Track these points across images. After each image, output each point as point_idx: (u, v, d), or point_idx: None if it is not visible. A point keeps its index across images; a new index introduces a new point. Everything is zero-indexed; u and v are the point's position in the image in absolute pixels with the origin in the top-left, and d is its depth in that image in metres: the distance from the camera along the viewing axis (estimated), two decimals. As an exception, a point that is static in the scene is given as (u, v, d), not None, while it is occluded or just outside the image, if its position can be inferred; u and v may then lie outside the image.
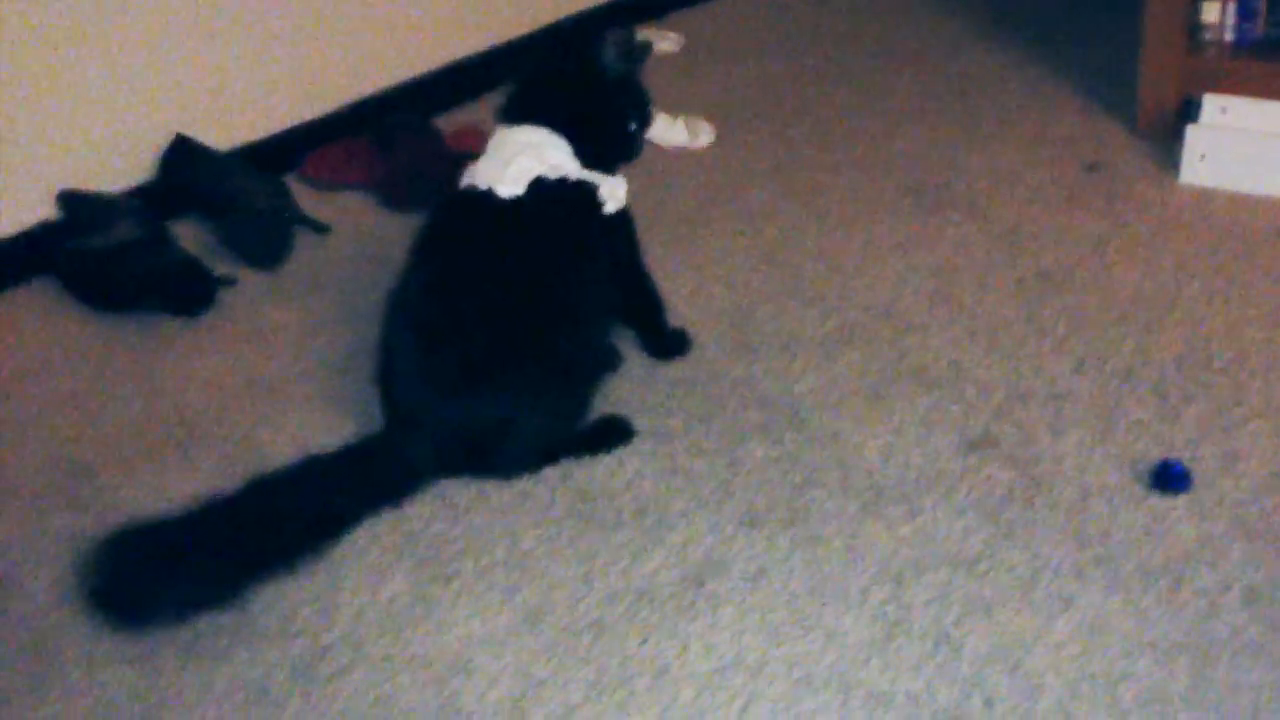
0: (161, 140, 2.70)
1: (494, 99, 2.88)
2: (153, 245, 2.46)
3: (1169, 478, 1.92)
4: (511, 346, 1.95)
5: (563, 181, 2.04)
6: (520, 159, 2.02)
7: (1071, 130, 2.98)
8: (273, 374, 2.28)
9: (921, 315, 2.35)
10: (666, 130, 3.04)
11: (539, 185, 2.02)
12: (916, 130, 3.04)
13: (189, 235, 2.65)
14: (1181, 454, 1.97)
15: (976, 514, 1.90)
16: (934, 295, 2.41)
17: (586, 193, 2.07)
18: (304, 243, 2.66)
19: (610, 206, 2.10)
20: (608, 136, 2.12)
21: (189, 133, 2.73)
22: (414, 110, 3.02)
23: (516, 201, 2.01)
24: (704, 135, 3.06)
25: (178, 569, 1.74)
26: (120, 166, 2.66)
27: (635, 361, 2.25)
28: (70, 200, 2.56)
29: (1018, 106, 3.12)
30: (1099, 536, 1.84)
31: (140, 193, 2.67)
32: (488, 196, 2.02)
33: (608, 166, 2.12)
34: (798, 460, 2.02)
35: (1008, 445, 2.02)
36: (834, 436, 2.07)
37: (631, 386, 2.19)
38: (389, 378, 2.02)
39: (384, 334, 2.06)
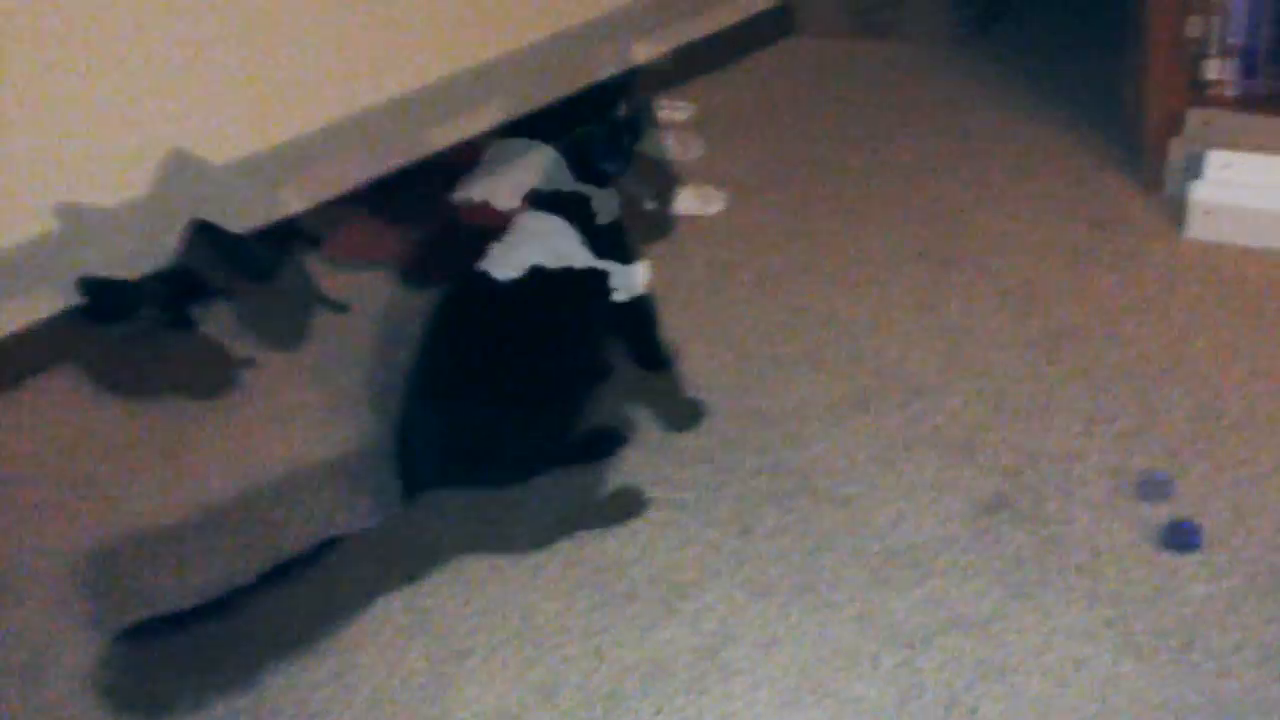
0: (182, 224, 2.76)
1: (510, 175, 2.97)
2: (175, 330, 2.50)
3: (1180, 536, 1.91)
4: (500, 419, 2.01)
5: (566, 270, 2.09)
6: (524, 246, 2.08)
7: (1078, 188, 2.99)
8: (293, 455, 2.31)
9: (932, 377, 2.36)
10: (678, 198, 3.07)
11: (538, 273, 2.08)
12: (925, 191, 3.06)
13: (210, 317, 2.69)
14: (1192, 512, 1.97)
15: (988, 577, 1.90)
16: (944, 356, 2.42)
17: (592, 280, 2.12)
18: (324, 322, 2.70)
19: (621, 295, 2.14)
20: (610, 227, 2.18)
21: (210, 215, 2.77)
22: (430, 188, 3.06)
23: (516, 285, 2.08)
24: (716, 202, 3.09)
25: (195, 658, 1.76)
26: (143, 251, 2.71)
27: (647, 432, 2.26)
28: (91, 286, 2.60)
29: (1025, 165, 3.14)
30: (1111, 597, 1.84)
31: (162, 276, 2.71)
32: (488, 280, 2.09)
33: (623, 253, 2.17)
34: (809, 527, 2.03)
35: (1019, 507, 2.02)
36: (845, 502, 2.07)
37: (644, 456, 2.20)
38: (400, 451, 2.07)
39: (397, 412, 2.11)
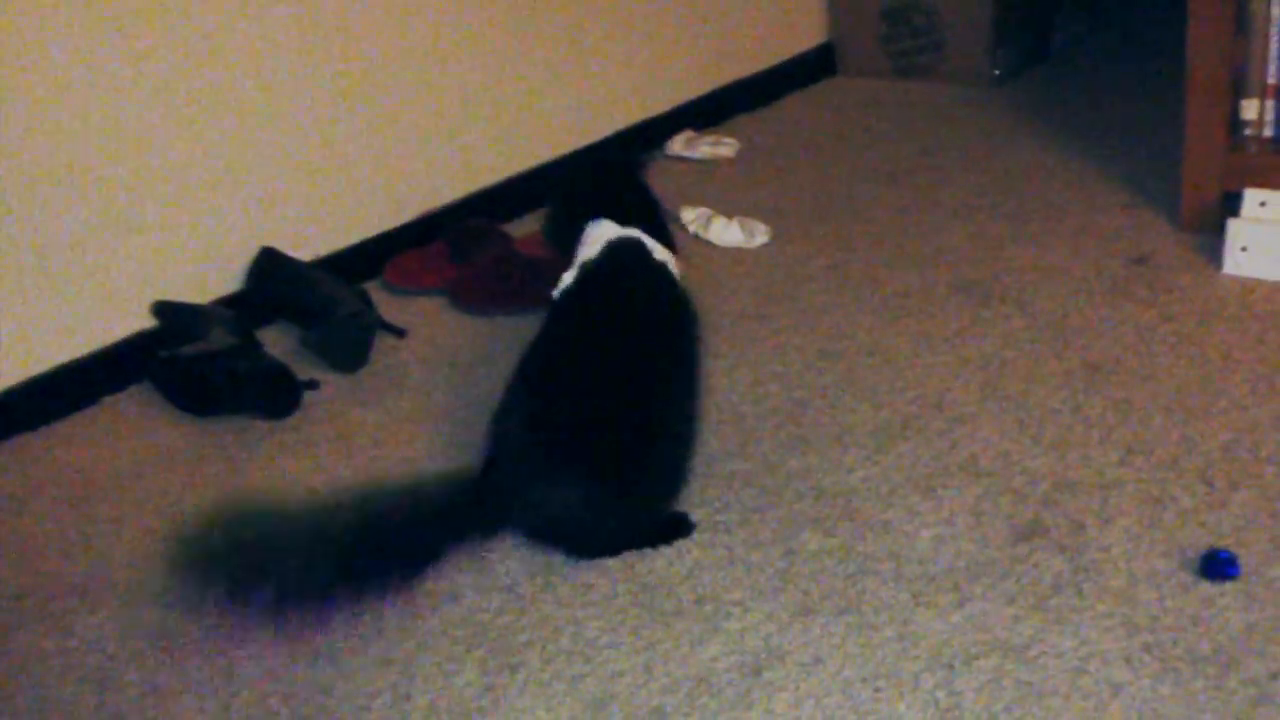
0: (249, 251, 2.79)
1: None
2: (243, 352, 2.53)
3: (1217, 565, 1.89)
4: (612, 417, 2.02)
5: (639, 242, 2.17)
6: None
7: (1116, 224, 2.98)
8: (354, 472, 2.33)
9: (971, 407, 2.35)
10: (723, 231, 3.09)
11: (614, 244, 2.14)
12: (965, 226, 3.06)
13: (276, 341, 2.73)
14: (1229, 542, 1.95)
15: (1026, 602, 1.88)
16: (983, 387, 2.41)
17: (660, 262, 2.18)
18: (383, 346, 2.72)
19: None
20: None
21: (275, 244, 2.81)
22: (486, 217, 3.09)
23: (595, 263, 2.13)
24: (759, 235, 3.09)
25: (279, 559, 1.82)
26: (210, 276, 2.75)
27: (695, 455, 2.26)
28: (165, 310, 2.65)
29: (1063, 201, 3.13)
30: (1148, 624, 1.82)
31: (230, 301, 2.75)
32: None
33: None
34: (851, 550, 2.02)
35: (1057, 534, 2.01)
36: (886, 526, 2.07)
37: (692, 481, 2.20)
38: (503, 428, 2.07)
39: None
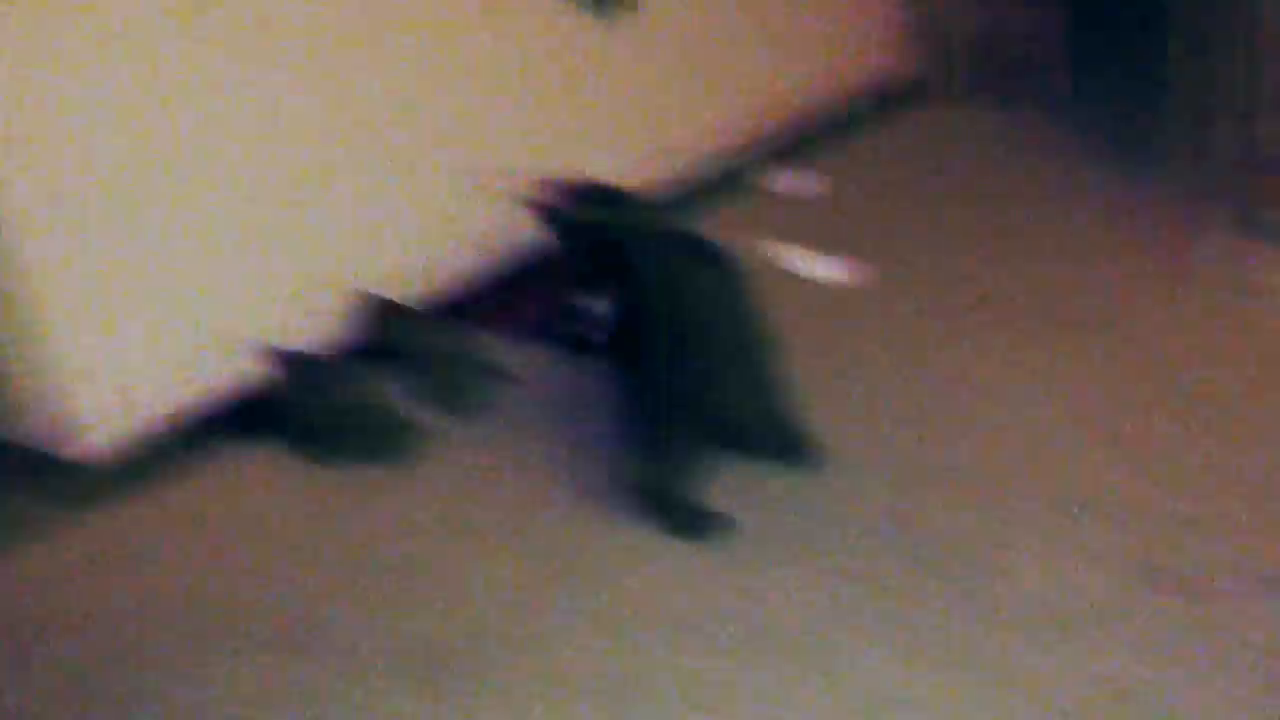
0: (363, 298, 2.84)
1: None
2: (359, 399, 2.58)
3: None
4: None
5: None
6: None
7: (1218, 259, 2.93)
8: (469, 517, 2.36)
9: (1079, 443, 2.33)
10: (814, 265, 3.08)
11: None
12: (1062, 259, 3.03)
13: (388, 385, 2.77)
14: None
15: (1146, 646, 1.86)
16: (1089, 423, 2.39)
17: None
18: (491, 390, 2.75)
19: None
20: None
21: (386, 291, 2.86)
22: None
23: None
24: (849, 270, 3.08)
25: None
26: (326, 324, 2.81)
27: (811, 498, 2.27)
28: (281, 357, 2.70)
29: (1160, 232, 3.08)
30: (1266, 669, 1.78)
31: (348, 350, 2.80)
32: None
33: None
34: (965, 593, 2.01)
35: (1175, 574, 1.98)
36: (1000, 569, 2.05)
37: (805, 523, 2.20)
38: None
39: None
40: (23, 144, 2.30)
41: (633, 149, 3.38)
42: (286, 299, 2.75)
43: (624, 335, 2.31)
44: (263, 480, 2.55)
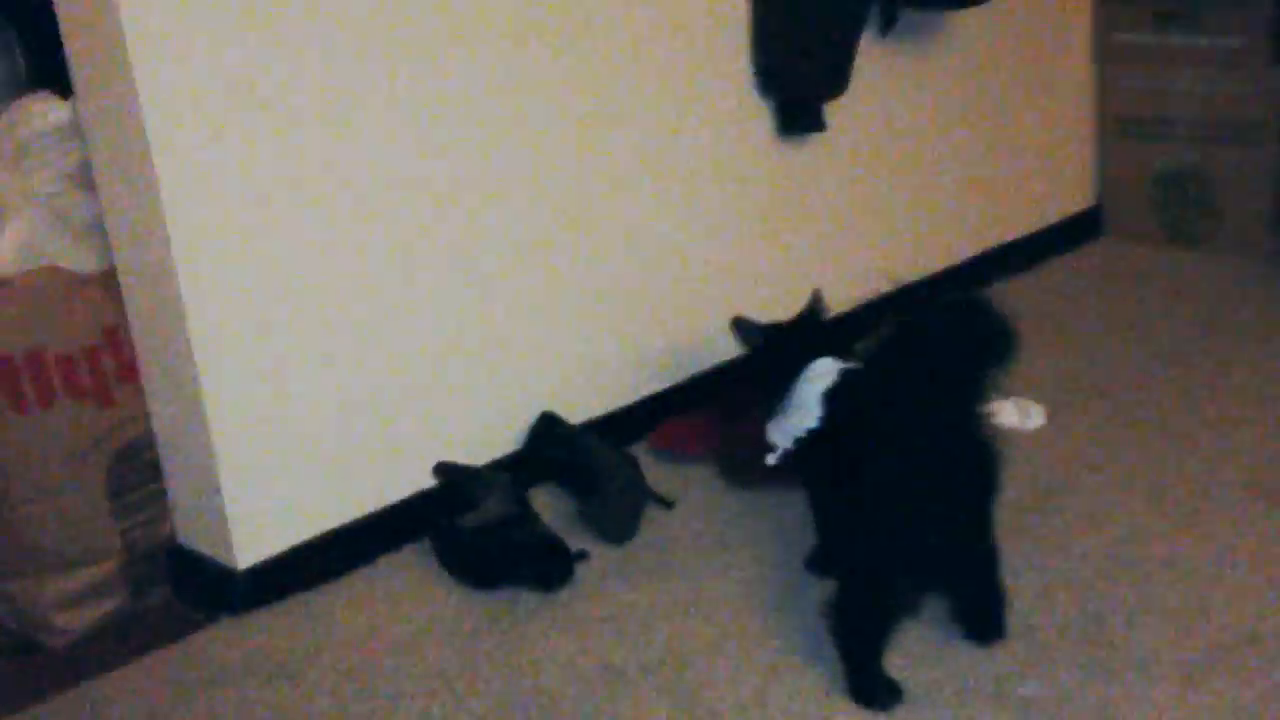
0: (526, 413, 2.78)
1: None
2: (519, 521, 2.50)
3: None
4: None
5: None
6: None
7: None
8: (622, 659, 2.24)
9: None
10: (998, 412, 2.93)
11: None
12: (1259, 419, 2.83)
13: (547, 505, 2.69)
14: None
15: None
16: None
17: None
18: (651, 517, 2.66)
19: None
20: None
21: (551, 406, 2.79)
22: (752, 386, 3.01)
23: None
24: (1035, 417, 2.93)
25: None
26: (489, 438, 2.75)
27: (981, 677, 2.11)
28: (445, 471, 2.64)
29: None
30: None
31: (507, 464, 2.73)
32: None
33: None
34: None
35: None
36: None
37: (978, 706, 2.04)
38: None
39: None
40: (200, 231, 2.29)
41: (809, 277, 3.28)
42: (453, 409, 2.70)
43: (828, 457, 2.18)
44: (415, 599, 2.47)
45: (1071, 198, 3.97)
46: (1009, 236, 3.77)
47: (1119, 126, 3.92)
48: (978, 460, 1.99)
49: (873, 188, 3.42)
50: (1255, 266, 3.66)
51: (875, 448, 1.99)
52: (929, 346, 1.95)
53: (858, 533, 2.05)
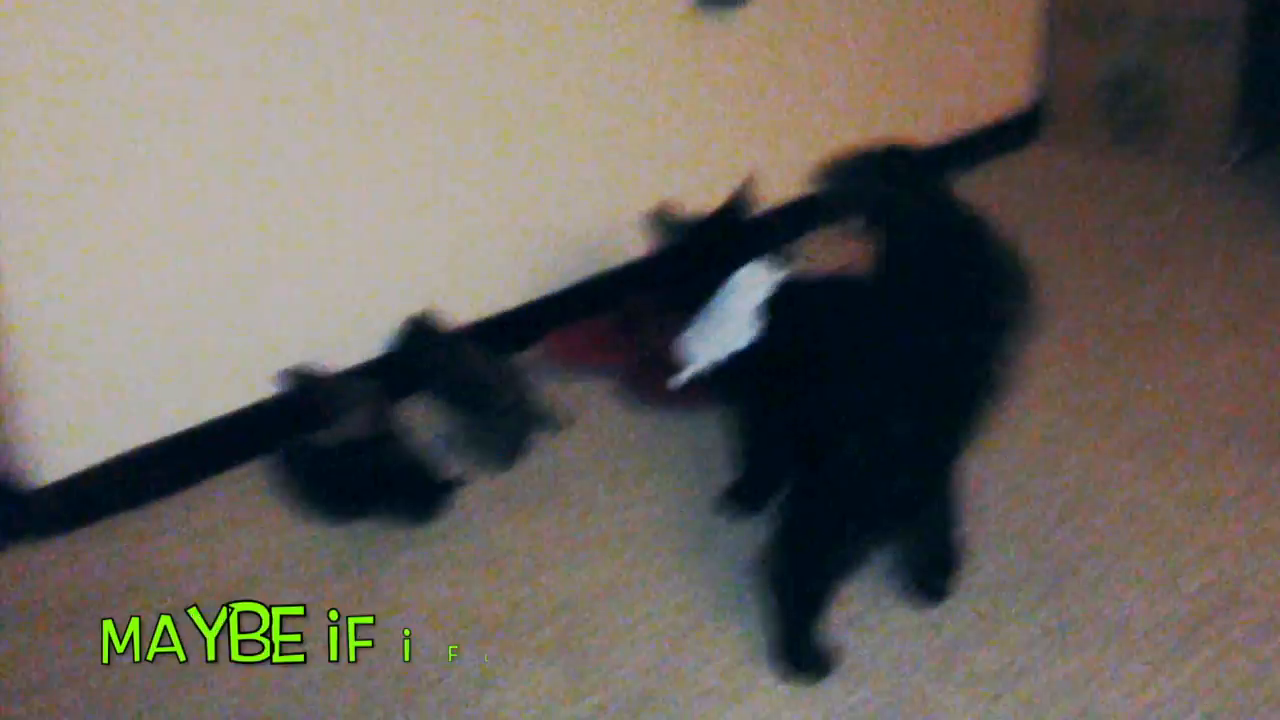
0: (393, 314, 2.37)
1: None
2: (383, 440, 2.10)
3: None
4: None
5: None
6: None
7: None
8: (502, 611, 1.87)
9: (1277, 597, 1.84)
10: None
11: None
12: (1232, 351, 2.53)
13: (417, 423, 2.29)
14: None
15: None
16: (1287, 578, 1.89)
17: None
18: (539, 440, 2.27)
19: None
20: None
21: (425, 306, 2.38)
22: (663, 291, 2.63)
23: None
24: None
25: None
26: (349, 340, 2.33)
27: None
28: (296, 379, 2.22)
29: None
30: None
31: (370, 371, 2.32)
32: None
33: None
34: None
35: None
36: None
37: (933, 682, 1.72)
38: None
39: None
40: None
41: (724, 173, 2.89)
42: (308, 306, 2.27)
43: (774, 374, 1.81)
44: (253, 528, 2.07)
45: (1009, 97, 3.63)
46: (939, 136, 3.41)
47: (1071, 25, 3.57)
48: (970, 397, 1.61)
49: (797, 75, 3.03)
50: (1209, 177, 3.36)
51: (848, 371, 1.62)
52: (935, 273, 1.59)
53: (815, 468, 1.67)
